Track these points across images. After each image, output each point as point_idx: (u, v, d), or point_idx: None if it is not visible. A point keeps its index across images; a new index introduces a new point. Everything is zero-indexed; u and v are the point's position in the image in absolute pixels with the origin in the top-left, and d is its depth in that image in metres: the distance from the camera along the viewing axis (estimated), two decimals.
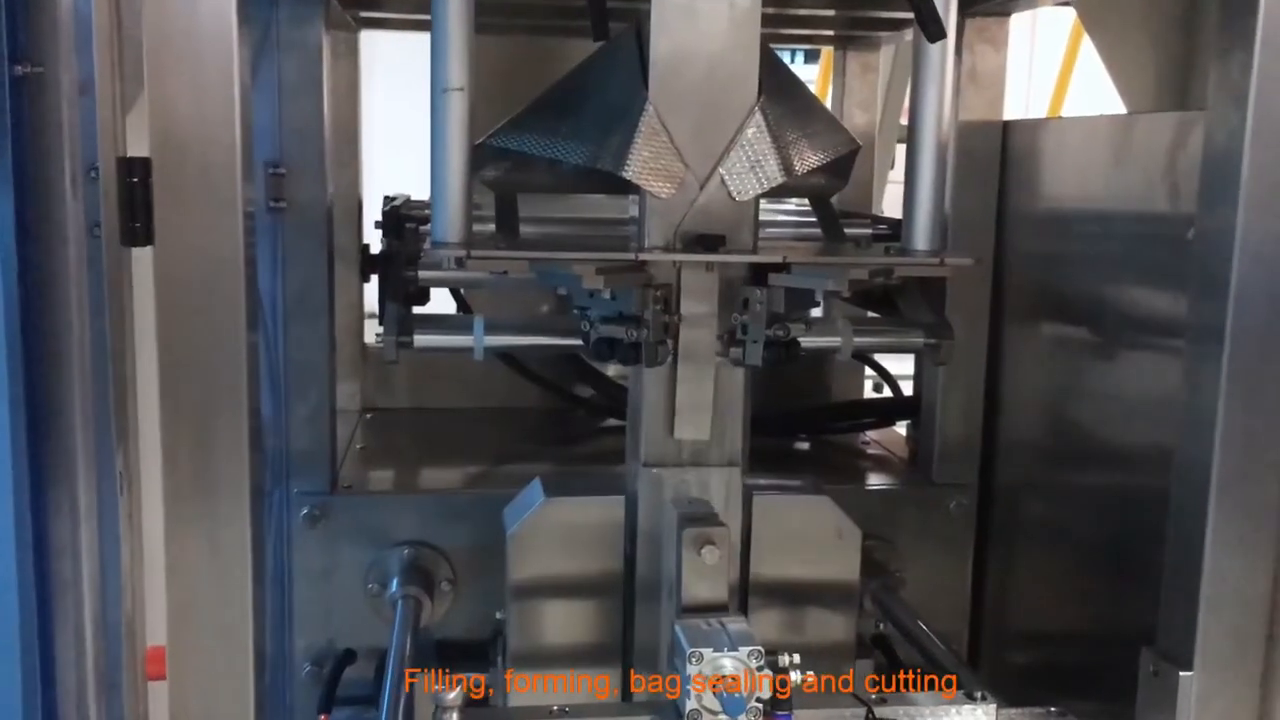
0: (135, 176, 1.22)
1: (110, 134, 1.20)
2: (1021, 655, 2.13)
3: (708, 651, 1.42)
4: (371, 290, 2.30)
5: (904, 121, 3.90)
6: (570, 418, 2.63)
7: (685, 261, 1.58)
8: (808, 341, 1.71)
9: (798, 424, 2.47)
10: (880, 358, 2.57)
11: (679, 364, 1.62)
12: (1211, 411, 1.44)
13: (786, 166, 1.59)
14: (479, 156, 1.62)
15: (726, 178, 1.57)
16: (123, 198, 1.22)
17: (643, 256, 1.56)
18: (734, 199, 1.58)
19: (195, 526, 1.40)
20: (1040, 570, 2.07)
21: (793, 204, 2.69)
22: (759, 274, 1.61)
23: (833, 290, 1.53)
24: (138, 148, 1.24)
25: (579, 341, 1.72)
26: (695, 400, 1.64)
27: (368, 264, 2.34)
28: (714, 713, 1.42)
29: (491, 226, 1.81)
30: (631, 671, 1.72)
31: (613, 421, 2.52)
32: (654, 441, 1.66)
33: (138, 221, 1.23)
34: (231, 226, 1.32)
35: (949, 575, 2.16)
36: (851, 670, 1.82)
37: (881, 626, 2.05)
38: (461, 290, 2.46)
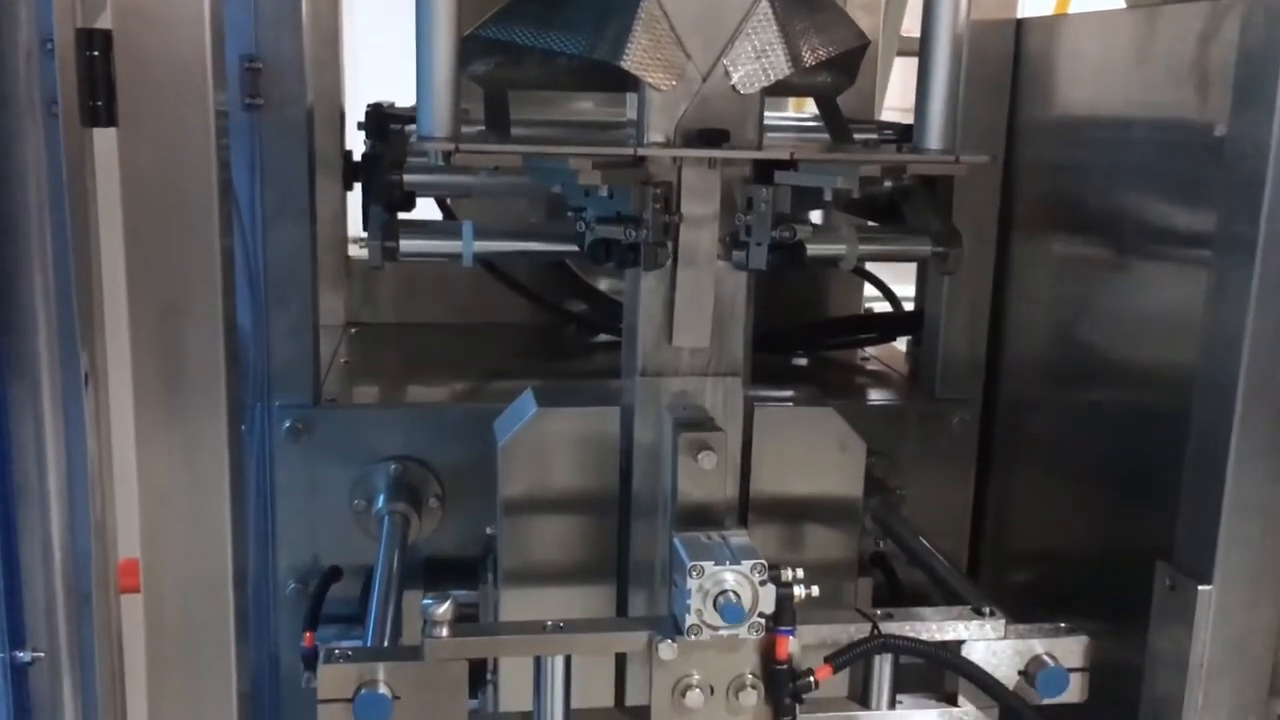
0: (95, 50, 1.12)
1: (67, 1, 1.10)
2: (1022, 573, 2.08)
3: (708, 565, 1.37)
4: (355, 202, 2.22)
5: (905, 34, 3.81)
6: (562, 333, 2.56)
7: (686, 157, 1.50)
8: (813, 249, 1.64)
9: (795, 340, 2.40)
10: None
11: (678, 267, 1.55)
12: (1239, 324, 1.37)
13: (794, 58, 1.50)
14: (467, 50, 1.53)
15: (730, 69, 1.49)
16: (82, 73, 1.12)
17: (642, 151, 1.48)
18: (738, 92, 1.50)
19: (167, 438, 1.34)
20: (1044, 488, 2.02)
21: (793, 115, 2.61)
22: (763, 174, 1.54)
23: (843, 188, 1.45)
24: (99, 19, 1.14)
25: (573, 248, 1.65)
26: (695, 305, 1.56)
27: (350, 172, 2.25)
28: (714, 627, 1.37)
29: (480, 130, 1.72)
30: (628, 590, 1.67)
31: (606, 337, 2.44)
32: (651, 349, 1.59)
33: (99, 100, 1.14)
34: (201, 112, 1.23)
35: (950, 493, 2.11)
36: (853, 588, 1.77)
37: (881, 545, 2.00)
38: (448, 201, 2.38)
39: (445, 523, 2.00)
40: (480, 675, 1.74)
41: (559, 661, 1.44)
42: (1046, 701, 1.49)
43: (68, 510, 1.15)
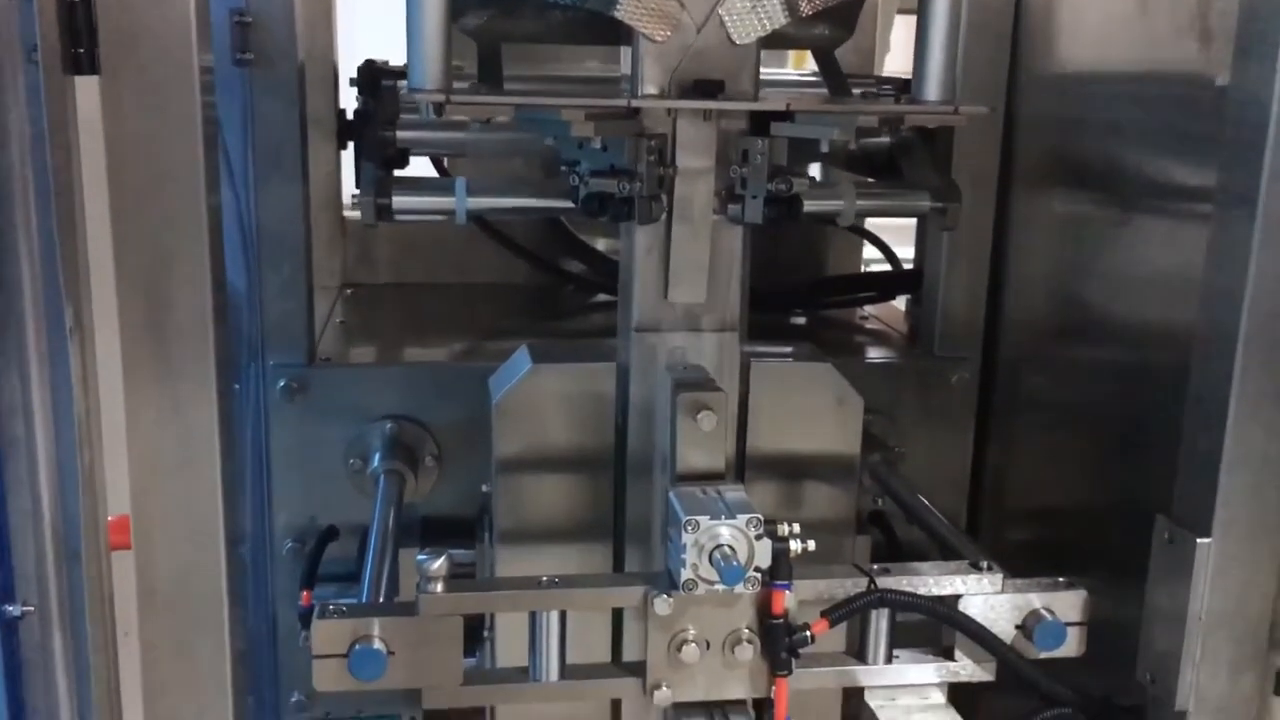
0: None
1: None
2: (1021, 532, 2.08)
3: (704, 519, 1.36)
4: (351, 163, 2.19)
5: None
6: (559, 294, 2.54)
7: (681, 109, 1.48)
8: (810, 204, 1.62)
9: (794, 299, 2.39)
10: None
11: (674, 222, 1.53)
12: (1240, 276, 1.35)
13: (790, 7, 1.47)
14: (459, 2, 1.51)
15: (726, 19, 1.46)
16: (62, 19, 1.10)
17: (636, 103, 1.46)
18: (733, 42, 1.47)
19: (155, 395, 1.33)
20: (1043, 446, 2.01)
21: (792, 71, 2.58)
22: (759, 126, 1.51)
23: (840, 140, 1.43)
24: None
25: (567, 204, 1.63)
26: (690, 260, 1.55)
27: (344, 130, 2.22)
28: (710, 582, 1.36)
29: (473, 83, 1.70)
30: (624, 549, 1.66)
31: (604, 297, 2.43)
32: (647, 305, 1.58)
33: (81, 47, 1.12)
34: (186, 63, 1.21)
35: (949, 451, 2.10)
36: (851, 545, 1.77)
37: (879, 503, 1.99)
38: (445, 162, 2.36)
39: (442, 482, 1.99)
40: (477, 633, 1.74)
41: (554, 617, 1.43)
42: (1044, 655, 1.49)
43: (55, 465, 1.14)
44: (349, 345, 2.15)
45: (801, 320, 2.38)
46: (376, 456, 1.93)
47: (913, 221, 2.33)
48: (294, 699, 2.05)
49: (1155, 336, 1.68)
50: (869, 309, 2.43)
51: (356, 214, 2.46)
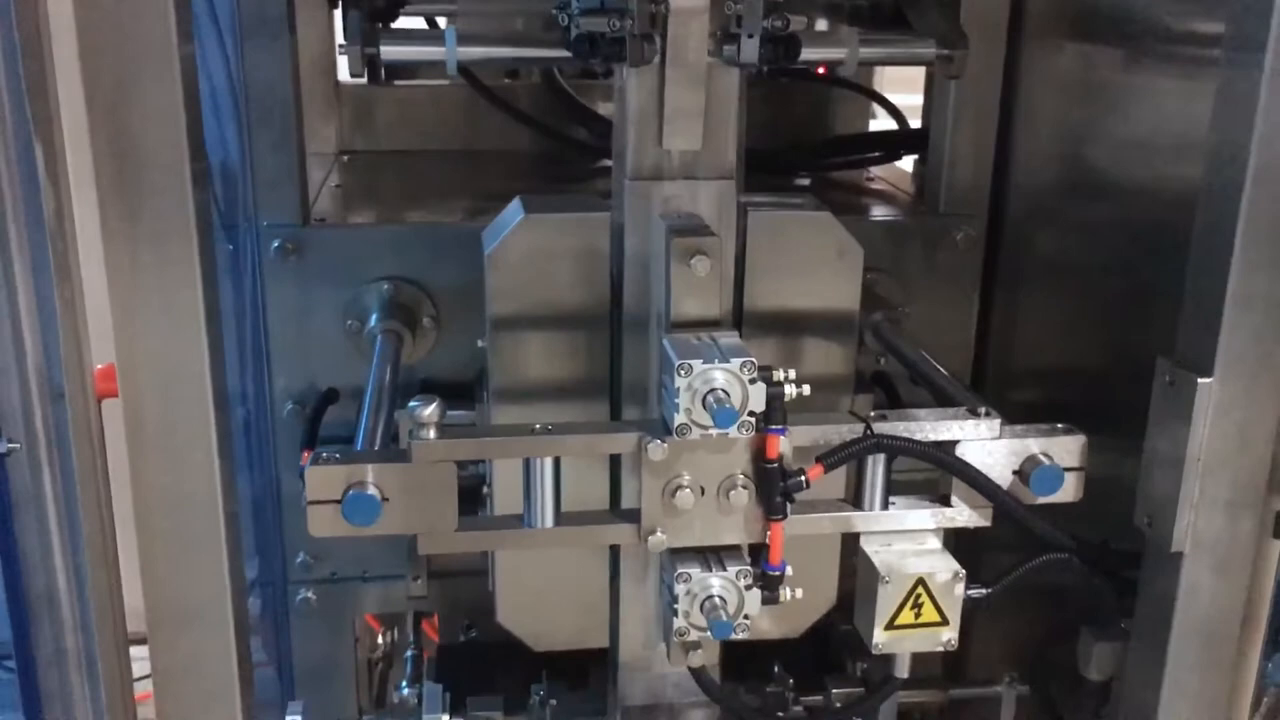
0: None
1: None
2: (1026, 392, 2.06)
3: (697, 363, 1.34)
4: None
5: None
6: (562, 160, 2.49)
7: None
8: (812, 52, 1.57)
9: (798, 160, 2.34)
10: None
11: (667, 65, 1.48)
12: (1248, 116, 1.31)
13: None
14: None
15: None
16: None
17: None
18: None
19: (131, 244, 1.29)
20: (1049, 306, 1.98)
21: None
22: None
23: None
24: None
25: (560, 53, 1.58)
26: (685, 105, 1.50)
27: None
28: (704, 426, 1.35)
29: None
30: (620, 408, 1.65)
31: (607, 163, 2.38)
32: (641, 153, 1.54)
33: None
34: None
35: (954, 311, 2.07)
36: (851, 403, 1.75)
37: (882, 362, 1.97)
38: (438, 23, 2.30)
39: (440, 345, 1.98)
40: (477, 493, 1.74)
41: (548, 464, 1.43)
42: (1041, 500, 1.48)
43: (35, 305, 1.13)
44: (345, 208, 2.13)
45: (806, 182, 2.33)
46: (374, 317, 1.91)
47: (920, 100, 2.28)
48: (299, 560, 2.08)
49: (1164, 195, 1.64)
50: (876, 171, 2.38)
51: (351, 79, 2.43)
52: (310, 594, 2.09)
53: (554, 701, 1.81)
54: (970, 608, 1.50)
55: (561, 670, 1.88)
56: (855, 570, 1.54)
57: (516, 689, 1.86)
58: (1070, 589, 1.68)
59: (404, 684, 2.13)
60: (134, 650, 1.58)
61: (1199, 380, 1.35)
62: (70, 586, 1.29)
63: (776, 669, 1.90)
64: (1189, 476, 1.38)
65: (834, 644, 2.03)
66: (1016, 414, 1.54)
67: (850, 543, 1.56)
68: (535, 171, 2.46)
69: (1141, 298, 1.69)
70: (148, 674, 1.50)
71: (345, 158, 2.46)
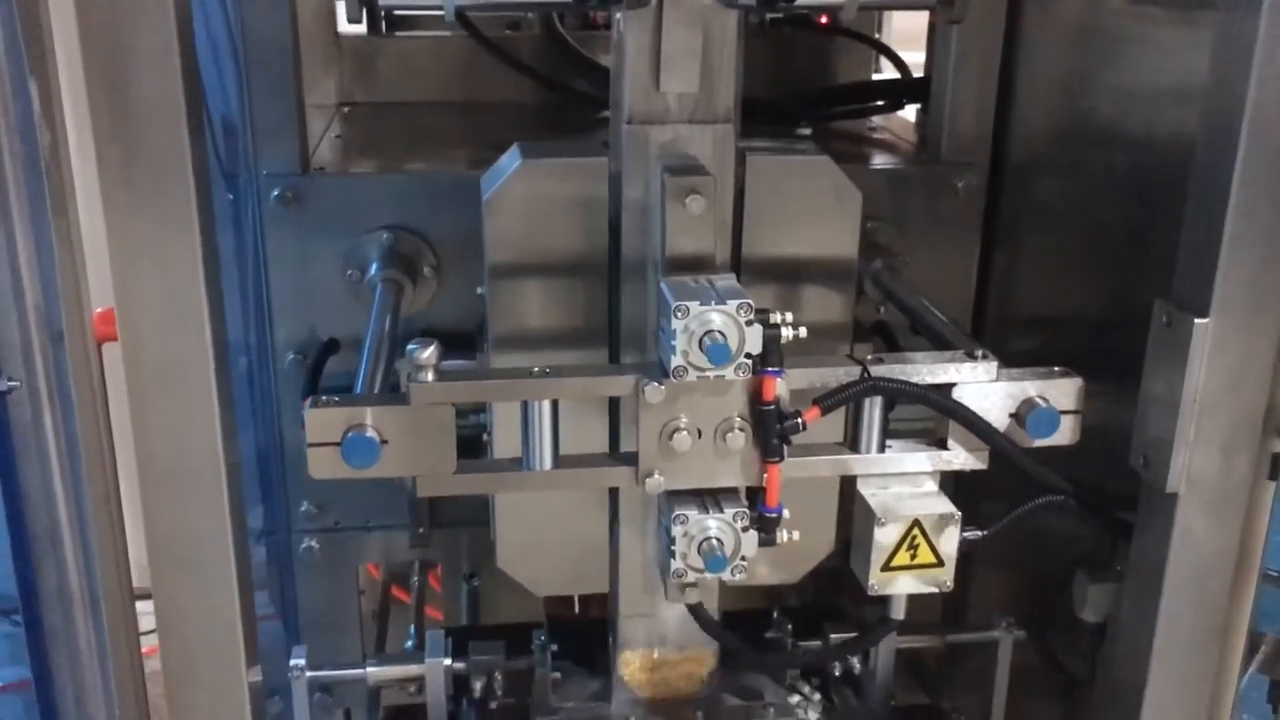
0: None
1: None
2: (1026, 341, 2.06)
3: (694, 305, 1.35)
4: None
5: None
6: (564, 112, 2.48)
7: None
8: None
9: (800, 109, 2.32)
10: None
11: (665, 7, 1.48)
12: (1246, 56, 1.30)
13: None
14: None
15: None
16: None
17: None
18: None
19: (132, 204, 1.30)
20: (1050, 255, 1.98)
21: None
22: None
23: None
24: None
25: None
26: (683, 48, 1.49)
27: None
28: (701, 368, 1.36)
29: None
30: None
31: (608, 114, 2.37)
32: (638, 96, 1.53)
33: None
34: None
35: (955, 259, 2.07)
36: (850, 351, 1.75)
37: (882, 311, 1.97)
38: None
39: (441, 295, 1.98)
40: (478, 443, 1.75)
41: (546, 407, 1.44)
42: (1038, 443, 1.48)
43: (33, 242, 1.13)
44: (345, 157, 2.12)
45: (807, 131, 2.32)
46: (374, 267, 1.92)
47: (924, 58, 2.27)
48: (303, 509, 2.09)
49: (1165, 143, 1.63)
50: (878, 120, 2.37)
51: (352, 30, 2.42)
52: (314, 543, 2.11)
53: (554, 646, 1.83)
54: (966, 549, 1.51)
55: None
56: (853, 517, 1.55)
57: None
58: (1066, 536, 1.69)
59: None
60: (141, 605, 1.60)
61: (1195, 321, 1.35)
62: (73, 527, 1.30)
63: (775, 615, 1.92)
64: (1185, 417, 1.38)
65: (833, 593, 2.05)
66: (1016, 362, 1.54)
67: (849, 493, 1.57)
68: (537, 123, 2.45)
69: (1142, 246, 1.68)
70: (154, 628, 1.52)
71: (346, 109, 2.45)
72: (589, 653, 1.84)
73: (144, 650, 1.66)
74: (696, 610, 1.57)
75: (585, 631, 1.87)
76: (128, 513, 1.53)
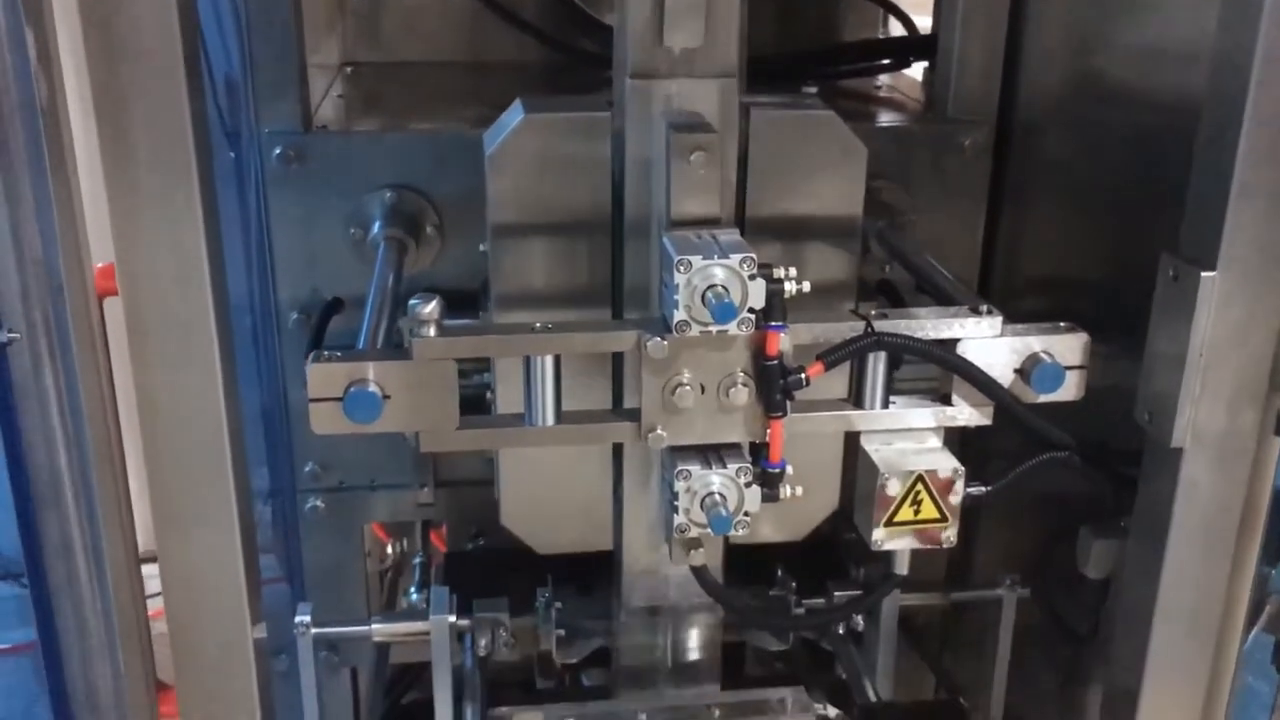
0: None
1: None
2: (1032, 301, 2.05)
3: (697, 259, 1.34)
4: None
5: None
6: (571, 72, 2.46)
7: None
8: None
9: (806, 67, 2.30)
10: None
11: None
12: (1257, 6, 1.28)
13: None
14: None
15: None
16: None
17: None
18: None
19: (132, 161, 1.29)
20: (1057, 214, 1.96)
21: None
22: None
23: None
24: None
25: None
26: (686, 0, 1.48)
27: None
28: (703, 323, 1.35)
29: None
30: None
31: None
32: (641, 50, 1.52)
33: None
34: None
35: (962, 218, 2.05)
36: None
37: (887, 270, 1.96)
38: None
39: (444, 255, 1.97)
40: (481, 402, 1.75)
41: (548, 363, 1.43)
42: (1043, 399, 1.48)
43: (32, 194, 1.13)
44: (348, 116, 2.11)
45: (813, 90, 2.29)
46: (376, 225, 1.91)
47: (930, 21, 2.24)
48: (308, 469, 2.09)
49: (1173, 102, 1.61)
50: (885, 79, 2.35)
51: None
52: (319, 502, 2.11)
53: (559, 604, 1.84)
54: (970, 504, 1.50)
55: (567, 577, 1.90)
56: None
57: (524, 595, 1.89)
58: (1071, 494, 1.69)
59: (413, 589, 2.16)
60: (147, 569, 1.60)
61: (1202, 274, 1.34)
62: (75, 481, 1.30)
63: (779, 573, 1.92)
64: (1190, 371, 1.38)
65: (837, 553, 2.05)
66: (1023, 320, 1.53)
67: (854, 452, 1.56)
68: (542, 83, 2.43)
69: (1149, 204, 1.67)
70: (159, 591, 1.53)
71: (349, 69, 2.44)
72: (593, 609, 1.85)
73: (150, 613, 1.67)
74: (700, 572, 1.57)
75: (590, 591, 1.88)
76: (133, 478, 1.53)
